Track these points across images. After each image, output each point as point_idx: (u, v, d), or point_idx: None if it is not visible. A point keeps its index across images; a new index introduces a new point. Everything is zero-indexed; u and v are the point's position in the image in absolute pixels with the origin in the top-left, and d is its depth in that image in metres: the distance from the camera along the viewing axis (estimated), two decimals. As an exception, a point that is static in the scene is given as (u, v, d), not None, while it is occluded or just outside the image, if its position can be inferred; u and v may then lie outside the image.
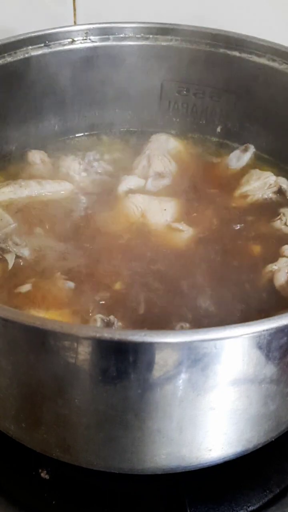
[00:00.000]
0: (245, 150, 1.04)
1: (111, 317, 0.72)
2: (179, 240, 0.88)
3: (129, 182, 0.98)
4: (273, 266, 0.82)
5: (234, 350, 0.55)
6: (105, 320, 0.72)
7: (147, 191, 0.97)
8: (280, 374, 0.60)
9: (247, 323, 0.53)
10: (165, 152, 1.05)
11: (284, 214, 0.91)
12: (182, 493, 0.72)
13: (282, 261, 0.83)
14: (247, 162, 1.04)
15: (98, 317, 0.72)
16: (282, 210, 0.93)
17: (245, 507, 0.73)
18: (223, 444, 0.65)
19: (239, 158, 1.04)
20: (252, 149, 1.05)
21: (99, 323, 0.71)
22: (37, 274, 0.81)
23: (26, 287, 0.79)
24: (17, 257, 0.82)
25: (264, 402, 0.62)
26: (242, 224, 0.91)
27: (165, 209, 0.92)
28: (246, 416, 0.63)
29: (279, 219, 0.91)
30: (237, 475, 0.74)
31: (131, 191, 0.96)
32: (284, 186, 0.97)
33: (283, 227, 0.90)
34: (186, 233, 0.89)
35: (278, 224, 0.91)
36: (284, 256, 0.84)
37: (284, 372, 0.60)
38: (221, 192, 0.98)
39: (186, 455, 0.65)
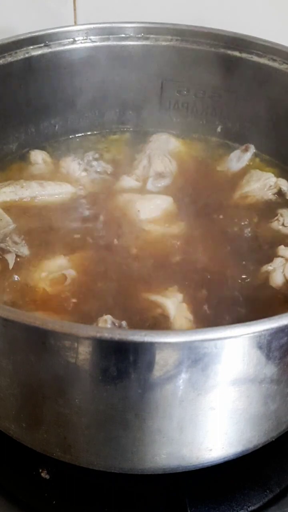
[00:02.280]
0: (246, 150, 1.04)
1: (123, 323, 0.72)
2: (175, 238, 0.88)
3: (125, 183, 0.98)
4: (268, 267, 0.82)
5: (234, 350, 0.55)
6: (116, 324, 0.71)
7: (147, 191, 0.97)
8: (280, 374, 0.60)
9: (247, 323, 0.53)
10: (165, 151, 1.05)
11: (281, 215, 0.91)
12: (182, 493, 0.72)
13: (277, 261, 0.82)
14: (247, 162, 1.04)
15: (108, 318, 0.72)
16: (280, 210, 0.93)
17: (245, 507, 0.73)
18: (224, 444, 0.65)
19: (239, 158, 1.03)
20: (252, 149, 1.05)
21: (109, 325, 0.71)
22: (37, 273, 0.81)
23: (26, 287, 0.79)
24: (17, 256, 0.82)
25: (264, 402, 0.63)
26: (241, 224, 0.91)
27: (152, 207, 0.92)
28: (246, 416, 0.63)
29: (276, 219, 0.91)
30: (237, 475, 0.74)
31: (125, 191, 0.96)
32: (284, 188, 0.96)
33: (281, 227, 0.90)
34: (179, 231, 0.89)
35: (275, 224, 0.91)
36: (279, 256, 0.84)
37: (284, 372, 0.60)
38: (221, 193, 0.98)
39: (187, 455, 0.65)
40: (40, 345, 0.55)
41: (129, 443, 0.62)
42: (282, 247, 0.85)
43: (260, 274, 0.82)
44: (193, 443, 0.63)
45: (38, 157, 1.03)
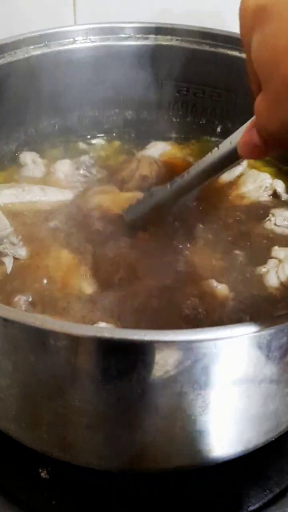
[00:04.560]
0: (237, 163, 1.01)
1: None
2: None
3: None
4: (262, 269, 0.82)
5: (234, 350, 0.55)
6: None
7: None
8: (280, 374, 0.60)
9: (247, 323, 0.53)
10: (158, 158, 1.04)
11: (273, 215, 0.91)
12: (182, 493, 0.72)
13: (271, 263, 0.82)
14: (241, 172, 1.01)
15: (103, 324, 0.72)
16: (273, 210, 0.92)
17: (245, 507, 0.73)
18: (224, 444, 0.65)
19: (230, 172, 1.00)
20: (244, 163, 1.02)
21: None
22: (37, 277, 0.80)
23: (26, 292, 0.78)
24: (15, 259, 0.81)
25: (264, 402, 0.63)
26: (235, 226, 0.90)
27: None
28: (246, 416, 0.63)
29: (268, 219, 0.91)
30: (237, 475, 0.74)
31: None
32: (279, 189, 0.96)
33: (273, 227, 0.90)
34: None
35: (268, 224, 0.90)
36: (272, 257, 0.83)
37: (284, 372, 0.60)
38: (217, 193, 0.98)
39: (186, 455, 0.65)
40: (40, 345, 0.55)
41: (129, 443, 0.62)
42: (276, 248, 0.84)
43: (255, 276, 0.82)
44: (192, 443, 0.63)
45: (28, 158, 1.02)
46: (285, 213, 0.92)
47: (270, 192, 0.96)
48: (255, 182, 0.97)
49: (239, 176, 1.00)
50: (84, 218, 0.90)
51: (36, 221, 0.89)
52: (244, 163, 1.02)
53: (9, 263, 0.80)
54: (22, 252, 0.82)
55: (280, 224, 0.90)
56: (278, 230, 0.90)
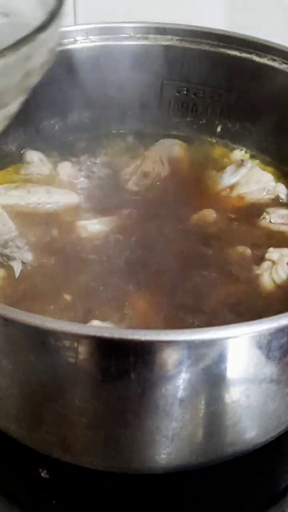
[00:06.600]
0: (241, 165, 1.01)
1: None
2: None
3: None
4: (257, 271, 0.82)
5: (234, 350, 0.55)
6: None
7: (127, 189, 0.97)
8: (280, 374, 0.60)
9: (247, 323, 0.53)
10: (164, 156, 1.04)
11: (268, 213, 0.91)
12: (182, 493, 0.72)
13: (265, 265, 0.82)
14: (242, 176, 1.00)
15: (97, 322, 0.72)
16: (268, 209, 0.92)
17: (245, 507, 0.73)
18: (223, 444, 0.65)
19: (234, 173, 1.00)
20: (249, 164, 1.01)
21: None
22: (42, 281, 0.80)
23: (33, 297, 0.78)
24: (22, 263, 0.80)
25: (264, 402, 0.63)
26: (232, 227, 0.90)
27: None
28: (246, 416, 0.63)
29: (263, 218, 0.91)
30: (237, 475, 0.74)
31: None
32: (281, 195, 0.96)
33: (269, 225, 0.90)
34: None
35: (263, 223, 0.90)
36: (266, 259, 0.83)
37: (284, 372, 0.60)
38: (217, 193, 0.98)
39: (186, 455, 0.65)
40: (40, 345, 0.55)
41: (129, 443, 0.62)
42: (271, 249, 0.84)
43: (251, 277, 0.82)
44: (192, 443, 0.63)
45: (34, 156, 1.02)
46: (280, 211, 0.92)
47: (273, 196, 0.96)
48: (258, 183, 0.96)
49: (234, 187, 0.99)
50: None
51: (42, 223, 0.89)
52: (249, 164, 1.02)
53: (17, 268, 0.79)
54: (28, 256, 0.81)
55: (275, 222, 0.90)
56: (274, 228, 0.90)
